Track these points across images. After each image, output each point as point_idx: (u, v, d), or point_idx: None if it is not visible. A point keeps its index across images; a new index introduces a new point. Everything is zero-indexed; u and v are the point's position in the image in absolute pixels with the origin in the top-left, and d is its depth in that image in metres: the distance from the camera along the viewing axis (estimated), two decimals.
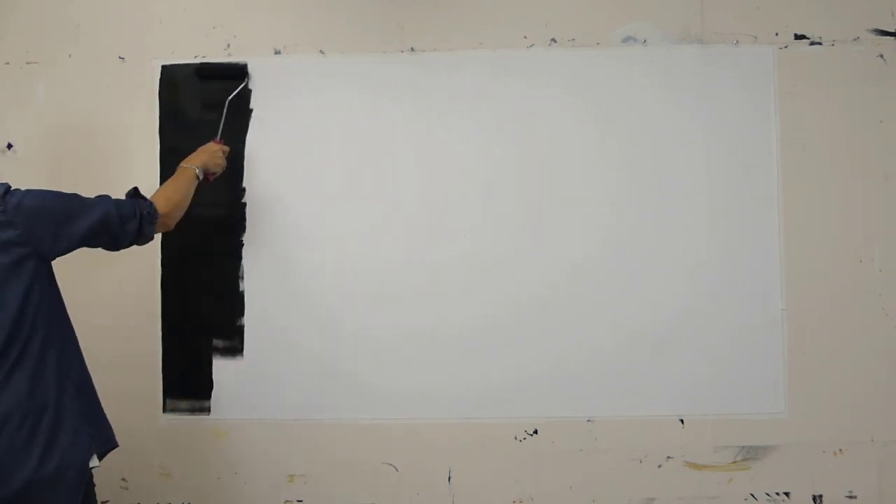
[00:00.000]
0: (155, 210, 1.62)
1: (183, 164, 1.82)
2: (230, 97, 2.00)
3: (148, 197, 1.66)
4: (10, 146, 2.04)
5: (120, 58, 2.06)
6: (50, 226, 1.45)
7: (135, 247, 1.63)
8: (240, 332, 2.01)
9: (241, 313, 2.02)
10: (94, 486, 1.56)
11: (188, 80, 2.04)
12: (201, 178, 1.82)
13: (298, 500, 2.01)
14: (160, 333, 2.01)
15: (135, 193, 1.64)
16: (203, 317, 2.01)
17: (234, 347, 2.01)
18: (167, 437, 2.02)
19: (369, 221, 2.01)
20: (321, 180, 2.02)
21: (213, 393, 2.02)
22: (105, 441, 1.52)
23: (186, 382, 2.02)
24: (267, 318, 2.01)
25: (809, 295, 1.97)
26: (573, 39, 2.02)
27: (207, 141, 1.94)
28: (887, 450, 1.96)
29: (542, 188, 2.00)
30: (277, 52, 2.04)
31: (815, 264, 1.97)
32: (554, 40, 2.02)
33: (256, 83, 2.03)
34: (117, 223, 1.54)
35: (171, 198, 1.69)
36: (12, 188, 1.47)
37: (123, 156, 2.04)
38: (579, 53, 2.01)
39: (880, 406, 1.96)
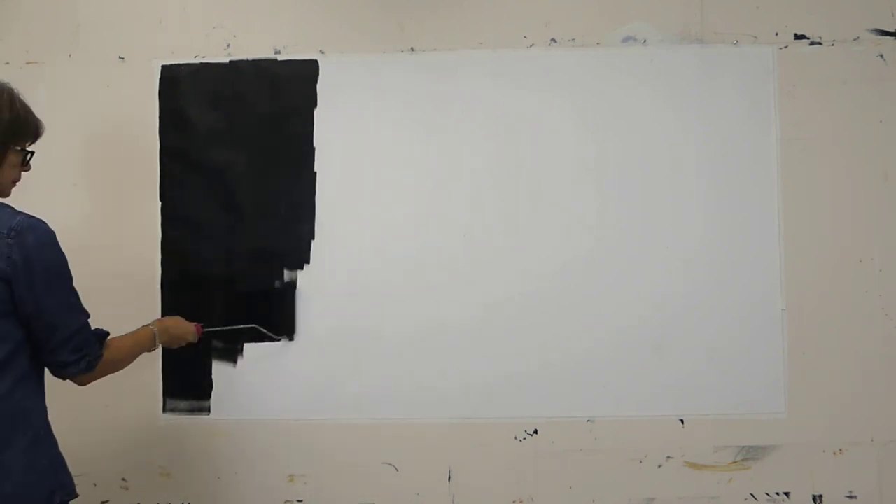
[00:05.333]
0: (95, 366, 1.48)
1: (154, 324, 1.70)
2: (246, 328, 1.97)
3: (103, 348, 1.52)
4: None
5: (120, 58, 2.06)
6: (29, 290, 1.36)
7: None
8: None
9: None
10: None
11: (188, 80, 2.04)
12: (156, 347, 1.71)
13: (298, 500, 2.01)
14: None
15: (100, 339, 1.51)
16: (203, 317, 2.01)
17: (234, 348, 2.01)
18: (167, 437, 2.02)
19: (368, 221, 2.01)
20: (319, 180, 2.02)
21: (213, 393, 2.02)
22: (69, 493, 1.45)
23: (186, 382, 2.02)
24: None
25: (809, 295, 1.97)
26: (573, 39, 2.02)
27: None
28: (887, 450, 1.96)
29: (543, 186, 2.00)
30: (277, 52, 2.04)
31: (815, 264, 1.97)
32: (554, 40, 2.02)
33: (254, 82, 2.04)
34: (53, 344, 1.41)
35: (118, 361, 1.56)
36: (35, 227, 1.39)
37: (123, 156, 2.05)
38: (579, 53, 2.01)
39: (880, 406, 1.96)
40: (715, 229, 1.98)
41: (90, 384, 1.53)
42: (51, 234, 1.42)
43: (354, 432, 2.00)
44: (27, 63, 2.06)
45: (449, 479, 2.00)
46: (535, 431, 1.99)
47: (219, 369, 2.01)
